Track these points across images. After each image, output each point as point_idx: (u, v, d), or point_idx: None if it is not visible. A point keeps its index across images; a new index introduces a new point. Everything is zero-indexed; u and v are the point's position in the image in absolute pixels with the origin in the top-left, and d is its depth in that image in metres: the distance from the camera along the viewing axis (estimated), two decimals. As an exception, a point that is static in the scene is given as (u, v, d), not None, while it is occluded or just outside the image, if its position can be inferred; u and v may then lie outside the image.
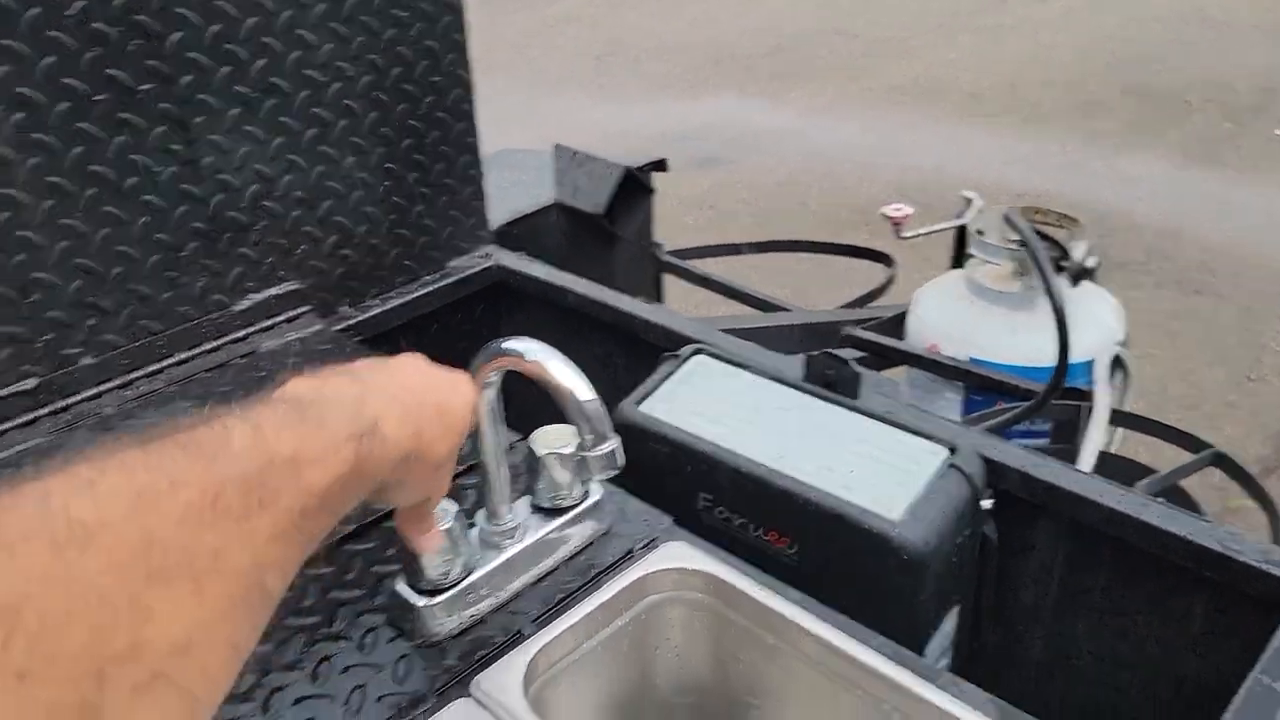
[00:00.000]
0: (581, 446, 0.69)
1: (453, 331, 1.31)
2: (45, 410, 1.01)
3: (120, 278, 1.03)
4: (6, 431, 0.98)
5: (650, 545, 0.85)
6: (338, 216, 1.18)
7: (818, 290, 3.15)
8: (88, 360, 1.03)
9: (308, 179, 1.13)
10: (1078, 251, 1.76)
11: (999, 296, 1.81)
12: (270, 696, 0.72)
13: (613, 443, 0.69)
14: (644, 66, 5.95)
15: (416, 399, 0.58)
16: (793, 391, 0.99)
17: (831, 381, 0.99)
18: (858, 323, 1.85)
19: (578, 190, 1.65)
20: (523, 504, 0.83)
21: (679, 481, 0.97)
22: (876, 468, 0.90)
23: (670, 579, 0.83)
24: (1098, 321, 1.79)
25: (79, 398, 1.03)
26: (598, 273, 1.37)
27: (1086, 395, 1.57)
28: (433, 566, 0.75)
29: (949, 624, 0.93)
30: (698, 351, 1.05)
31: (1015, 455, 0.93)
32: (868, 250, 2.27)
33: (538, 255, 1.36)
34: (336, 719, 0.71)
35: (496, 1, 6.56)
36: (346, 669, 0.75)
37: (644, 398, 1.01)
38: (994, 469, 0.92)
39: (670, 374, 1.02)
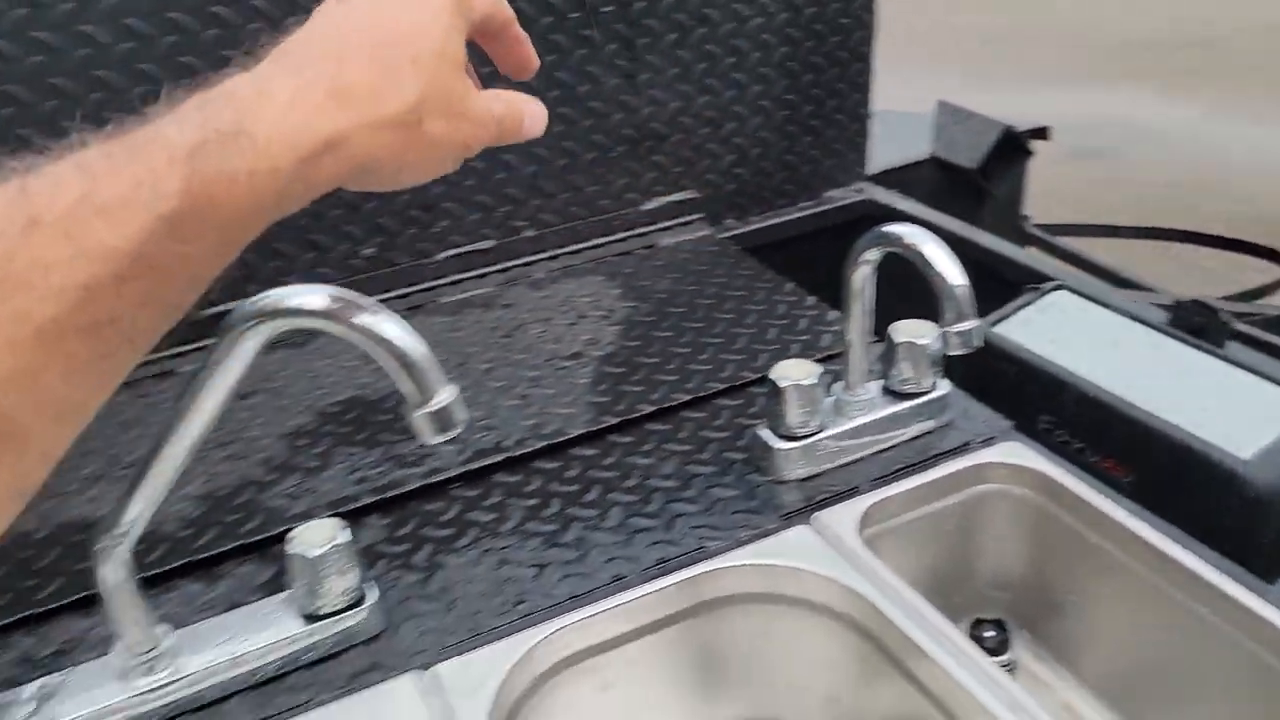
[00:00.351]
0: (944, 323, 0.78)
1: (820, 255, 1.43)
2: (494, 268, 1.25)
3: (563, 169, 1.25)
4: (464, 280, 1.24)
5: (988, 442, 0.92)
6: (738, 138, 1.34)
7: (1195, 293, 2.93)
8: (529, 232, 1.26)
9: (719, 101, 1.30)
10: None
11: None
12: (650, 494, 0.89)
13: (974, 323, 0.78)
14: (1035, 51, 5.70)
15: (331, 56, 0.42)
16: (1154, 332, 1.01)
17: (1198, 329, 0.99)
18: (1238, 315, 1.75)
19: (954, 145, 1.70)
20: (875, 384, 0.94)
21: (1023, 402, 1.02)
22: (1233, 411, 0.91)
23: (1003, 472, 0.90)
24: None
25: (518, 262, 1.26)
26: (963, 227, 1.43)
27: None
28: (793, 416, 0.88)
29: (1289, 582, 0.92)
30: (1059, 287, 1.09)
31: (1395, 424, 0.89)
32: (1263, 248, 2.11)
33: (908, 202, 1.44)
34: (697, 519, 0.86)
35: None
36: (709, 487, 0.90)
37: (999, 321, 1.07)
38: (1367, 434, 0.89)
39: (1029, 303, 1.08)
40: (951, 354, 0.79)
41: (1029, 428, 1.02)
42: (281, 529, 0.86)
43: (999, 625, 0.92)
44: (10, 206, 0.33)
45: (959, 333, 0.78)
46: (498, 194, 1.22)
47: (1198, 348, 0.98)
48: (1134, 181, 4.08)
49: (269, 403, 1.04)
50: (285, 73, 0.41)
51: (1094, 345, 1.02)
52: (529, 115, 0.56)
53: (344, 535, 0.74)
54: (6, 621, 0.79)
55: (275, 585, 0.81)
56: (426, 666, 0.73)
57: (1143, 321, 1.03)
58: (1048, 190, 3.69)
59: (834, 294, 1.18)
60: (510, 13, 0.55)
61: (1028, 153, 1.74)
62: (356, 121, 0.42)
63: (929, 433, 0.93)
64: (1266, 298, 1.92)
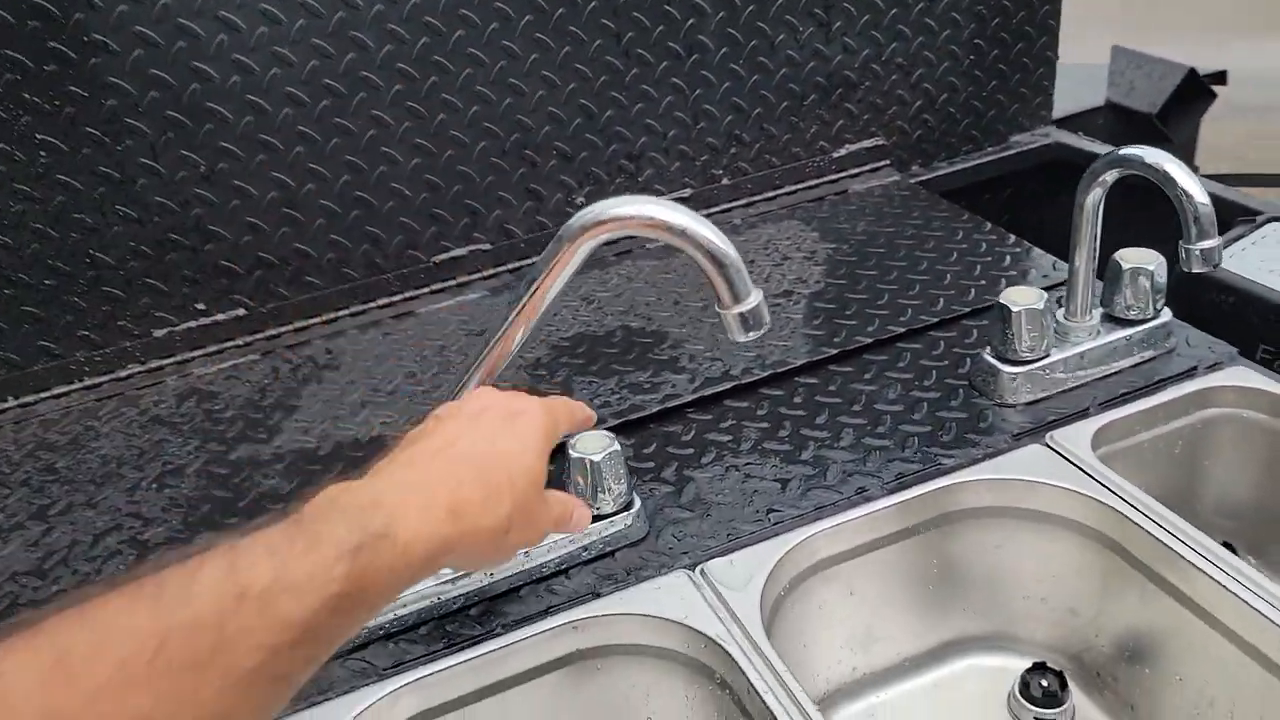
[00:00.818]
0: (1187, 241, 0.80)
1: (1005, 200, 1.44)
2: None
3: (759, 117, 1.30)
4: (666, 225, 1.30)
5: (1214, 367, 0.94)
6: (926, 84, 1.36)
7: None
8: (726, 180, 1.32)
9: (909, 48, 1.32)
10: None
11: None
12: (879, 417, 0.94)
13: (1216, 241, 0.80)
14: (1185, 4, 5.45)
15: (450, 475, 0.54)
16: (1380, 261, 1.00)
17: None
18: None
19: (1132, 90, 1.68)
20: (1097, 312, 0.96)
21: (1241, 332, 1.02)
22: None
23: (1232, 395, 0.91)
24: None
25: (716, 209, 1.32)
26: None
27: None
28: (1023, 341, 0.91)
29: None
30: (1272, 219, 1.09)
31: None
32: None
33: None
34: (929, 439, 0.90)
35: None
36: (936, 411, 0.94)
37: (1213, 253, 1.07)
38: None
39: (1242, 235, 1.08)
40: (1194, 272, 0.81)
41: (1249, 358, 1.03)
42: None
43: (1228, 548, 0.94)
44: (225, 580, 0.43)
45: (1202, 251, 0.80)
46: (699, 143, 1.28)
47: None
48: (1288, 135, 3.89)
49: (504, 338, 1.11)
50: (418, 485, 0.53)
51: (1316, 274, 1.01)
52: (577, 519, 0.68)
53: (616, 445, 0.80)
54: (305, 525, 0.89)
55: (540, 495, 0.88)
56: (693, 566, 0.80)
57: (1367, 250, 1.02)
58: (1203, 145, 3.55)
59: (1022, 236, 1.20)
60: (589, 413, 0.72)
61: (1211, 95, 1.70)
62: (464, 530, 0.54)
63: (1152, 359, 0.95)
64: None
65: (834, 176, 1.36)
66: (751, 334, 0.63)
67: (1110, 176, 0.85)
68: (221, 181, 1.08)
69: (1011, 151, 1.43)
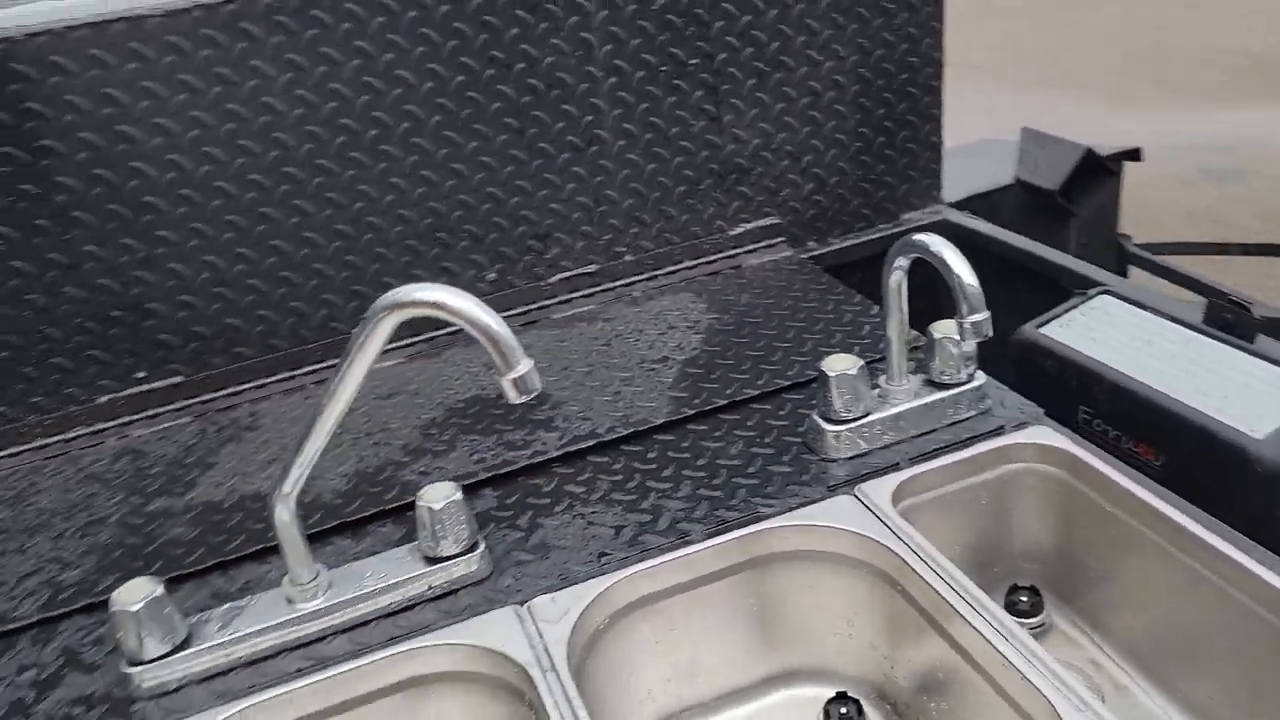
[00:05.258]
0: (960, 316, 0.91)
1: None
2: (598, 289, 1.44)
3: (657, 200, 1.43)
4: (573, 299, 1.43)
5: (1020, 426, 1.03)
6: (816, 169, 1.48)
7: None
8: (629, 257, 1.44)
9: (797, 137, 1.45)
10: None
11: None
12: (717, 470, 1.04)
13: (984, 315, 0.90)
14: (1173, 74, 5.57)
15: None
16: (1187, 330, 1.09)
17: (1229, 325, 1.07)
18: None
19: (1038, 168, 1.79)
20: (918, 377, 1.06)
21: (1064, 395, 1.12)
22: (1254, 398, 0.99)
23: (1031, 451, 1.00)
24: None
25: (620, 283, 1.44)
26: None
27: None
28: (839, 402, 1.02)
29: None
30: (1104, 292, 1.19)
31: None
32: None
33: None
34: (756, 490, 1.00)
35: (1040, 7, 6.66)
36: (768, 465, 1.04)
37: (1044, 323, 1.18)
38: (1383, 415, 0.96)
39: (1073, 307, 1.18)
40: (969, 341, 0.91)
41: (1070, 419, 1.12)
42: (413, 498, 1.05)
43: (1033, 591, 1.02)
44: None
45: (973, 323, 0.90)
46: (602, 224, 1.41)
47: (1227, 342, 1.06)
48: (1269, 202, 3.95)
49: (407, 401, 1.24)
50: None
51: (1129, 343, 1.11)
52: None
53: (458, 494, 0.92)
54: (203, 567, 1.01)
55: (409, 540, 1.00)
56: (523, 602, 0.90)
57: (1178, 321, 1.11)
58: (1176, 211, 3.63)
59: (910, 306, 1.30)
60: None
61: (1112, 173, 1.80)
62: None
63: (969, 418, 1.05)
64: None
65: (730, 252, 1.48)
66: (524, 397, 0.75)
67: (903, 261, 0.96)
68: (159, 264, 1.23)
69: (904, 228, 1.54)
